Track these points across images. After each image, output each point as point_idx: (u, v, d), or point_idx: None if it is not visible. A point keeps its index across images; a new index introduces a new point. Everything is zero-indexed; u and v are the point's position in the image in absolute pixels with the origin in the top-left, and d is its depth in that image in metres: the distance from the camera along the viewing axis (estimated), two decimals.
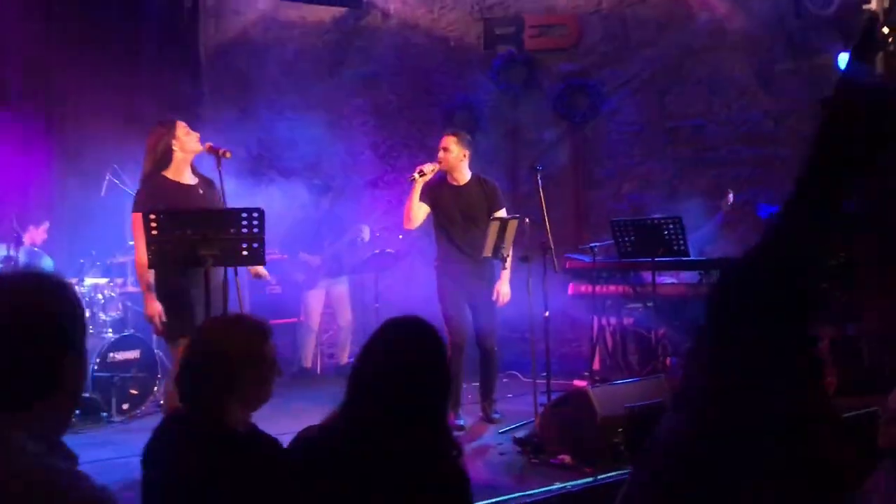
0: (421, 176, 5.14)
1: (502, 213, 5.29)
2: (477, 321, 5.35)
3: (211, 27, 8.70)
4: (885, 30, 6.17)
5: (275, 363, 2.28)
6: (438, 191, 5.29)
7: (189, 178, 4.35)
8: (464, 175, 5.33)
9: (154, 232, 3.79)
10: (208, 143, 4.38)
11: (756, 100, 7.35)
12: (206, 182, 4.41)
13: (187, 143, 4.31)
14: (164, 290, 4.15)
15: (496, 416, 5.39)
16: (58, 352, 1.33)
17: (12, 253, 5.59)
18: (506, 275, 5.29)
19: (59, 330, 1.33)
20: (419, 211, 5.23)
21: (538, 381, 5.05)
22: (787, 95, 7.24)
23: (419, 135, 8.28)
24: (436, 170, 5.20)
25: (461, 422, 5.23)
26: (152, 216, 3.80)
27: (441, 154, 5.25)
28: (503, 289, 5.30)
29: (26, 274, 1.39)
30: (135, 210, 4.19)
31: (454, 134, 5.37)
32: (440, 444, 1.98)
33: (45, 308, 1.33)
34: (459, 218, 5.27)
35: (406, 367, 1.99)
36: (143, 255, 4.01)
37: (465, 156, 5.29)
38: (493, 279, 5.32)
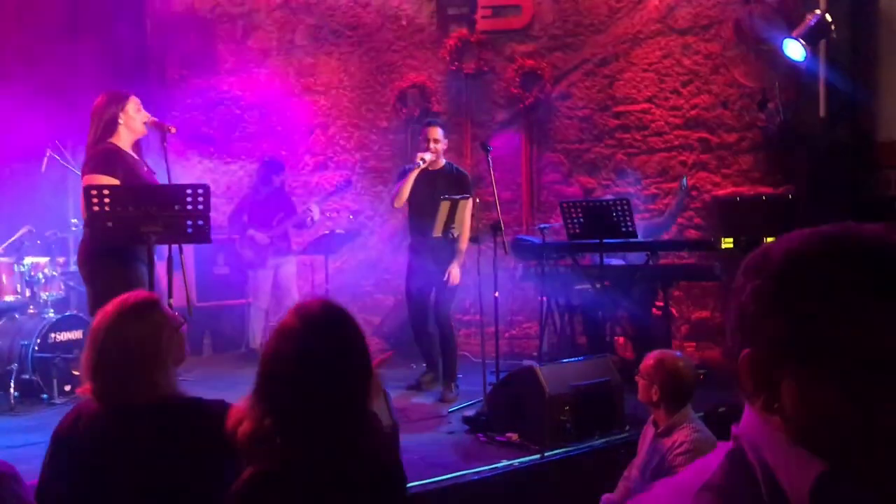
0: (423, 163, 5.57)
1: (468, 200, 5.59)
2: (437, 298, 5.67)
3: (157, 1, 8.50)
4: (829, 17, 6.31)
5: (169, 324, 2.29)
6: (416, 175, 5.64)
7: (134, 154, 4.26)
8: (440, 161, 5.74)
9: (95, 208, 3.70)
10: (153, 119, 4.30)
11: (705, 85, 7.44)
12: (147, 164, 4.32)
13: (134, 120, 4.22)
14: (106, 261, 4.03)
15: (451, 395, 5.48)
16: None
17: None
18: (460, 257, 5.62)
19: None
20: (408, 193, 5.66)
21: (487, 361, 5.09)
22: (736, 81, 7.35)
23: (370, 115, 8.22)
24: (432, 159, 5.62)
25: (453, 394, 5.55)
26: (93, 191, 3.70)
27: (433, 145, 5.64)
28: (454, 270, 5.60)
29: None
30: (86, 173, 4.07)
31: (440, 125, 5.88)
32: (363, 439, 1.87)
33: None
34: (430, 201, 5.55)
35: (319, 356, 1.86)
36: None
37: (445, 144, 5.79)
38: (453, 261, 5.63)
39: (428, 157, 5.58)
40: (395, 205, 5.73)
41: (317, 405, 1.81)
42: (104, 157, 4.09)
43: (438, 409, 5.25)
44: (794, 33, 6.37)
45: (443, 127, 5.89)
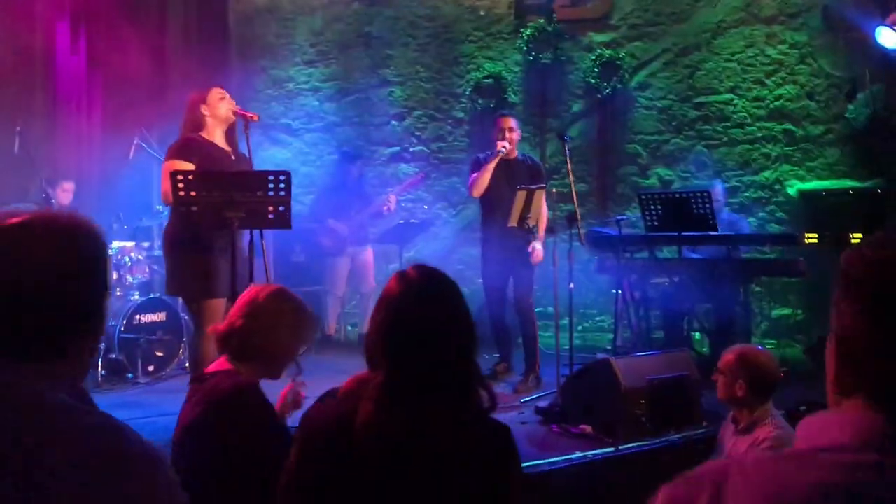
0: (504, 152, 5.55)
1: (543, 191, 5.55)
2: (516, 287, 5.67)
3: None
4: None
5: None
6: (489, 164, 5.62)
7: (223, 144, 4.36)
8: (514, 152, 5.71)
9: (181, 192, 3.79)
10: (236, 107, 4.39)
11: (791, 75, 7.22)
12: (238, 153, 4.41)
13: (217, 107, 4.31)
14: (188, 246, 4.14)
15: (526, 386, 5.45)
16: (100, 294, 1.27)
17: None
18: (539, 239, 5.69)
19: (102, 270, 1.27)
20: (487, 182, 5.65)
21: (561, 353, 5.06)
22: (823, 71, 7.10)
23: (446, 106, 8.24)
24: (510, 149, 5.62)
25: (528, 385, 5.54)
26: (179, 175, 3.80)
27: (509, 135, 5.62)
28: (537, 245, 5.63)
29: (62, 214, 1.27)
30: (166, 159, 4.20)
31: (514, 115, 5.95)
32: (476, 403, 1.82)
33: (88, 246, 1.26)
34: (507, 191, 5.52)
35: (435, 320, 1.82)
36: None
37: (520, 135, 5.77)
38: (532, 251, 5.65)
39: (507, 146, 5.57)
40: (474, 194, 5.68)
41: (432, 368, 1.78)
42: (182, 145, 4.22)
43: (511, 399, 5.23)
44: (887, 20, 6.12)
45: (516, 118, 5.85)
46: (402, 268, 6.14)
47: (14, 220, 1.22)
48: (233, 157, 4.35)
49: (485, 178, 5.58)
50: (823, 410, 1.06)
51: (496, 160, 5.55)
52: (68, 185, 6.22)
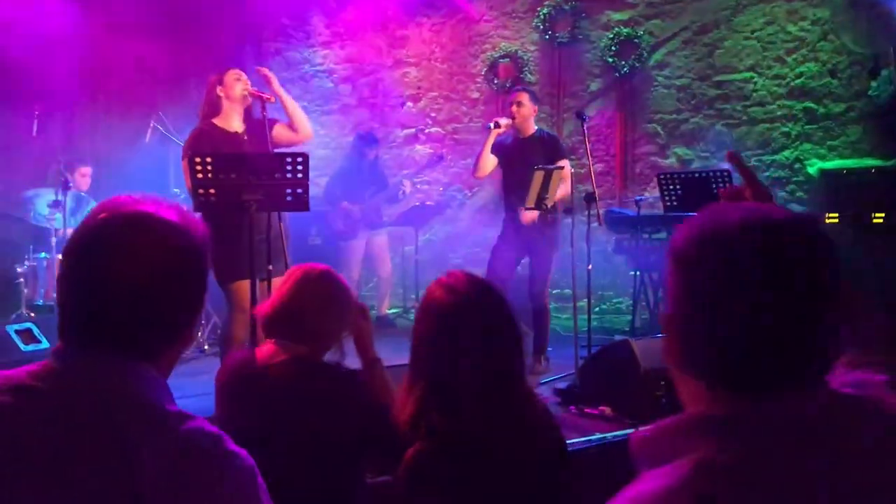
0: (496, 127, 5.32)
1: (564, 162, 5.33)
2: (532, 270, 5.50)
3: None
4: None
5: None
6: (505, 143, 5.44)
7: (237, 126, 4.38)
8: (530, 128, 5.47)
9: (199, 176, 3.80)
10: (252, 88, 4.38)
11: (812, 52, 7.11)
12: (256, 126, 4.41)
13: (232, 88, 4.33)
14: (220, 234, 4.14)
15: (541, 367, 5.41)
16: (203, 292, 1.23)
17: (60, 197, 5.66)
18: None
19: (206, 268, 1.24)
20: (489, 161, 5.43)
21: (579, 335, 5.03)
22: (845, 48, 6.99)
23: (461, 86, 8.19)
24: (510, 124, 5.37)
25: (542, 366, 5.43)
26: (197, 160, 3.80)
27: (514, 108, 5.38)
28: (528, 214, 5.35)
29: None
30: (183, 157, 4.28)
31: (526, 91, 5.59)
32: (529, 411, 1.87)
33: (200, 245, 1.22)
34: (521, 171, 5.30)
35: (473, 327, 1.82)
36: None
37: (534, 111, 5.49)
38: (552, 234, 5.41)
39: (504, 121, 5.32)
40: (476, 175, 5.51)
41: (476, 377, 1.78)
42: (195, 138, 4.29)
43: (529, 381, 5.21)
44: None
45: (531, 93, 5.57)
46: (419, 251, 6.06)
47: (127, 214, 1.17)
48: (246, 138, 4.36)
49: (482, 159, 5.35)
50: None
51: (491, 138, 5.32)
52: (86, 170, 6.24)
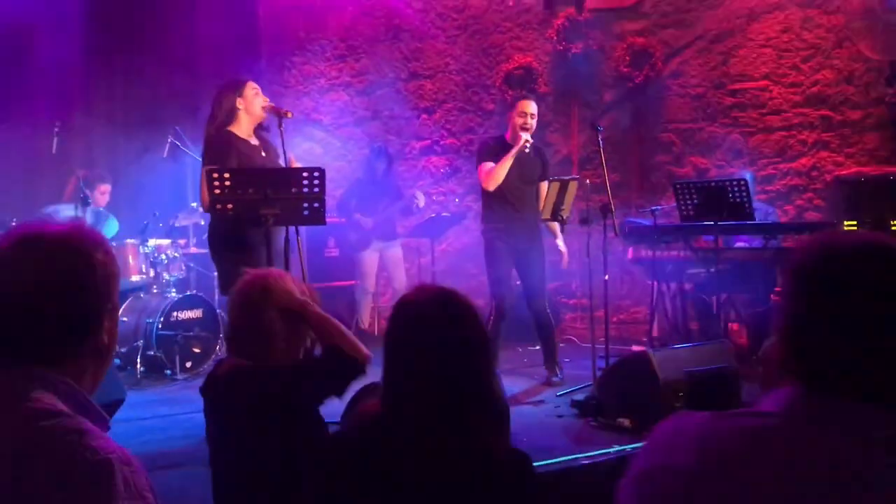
0: (528, 146, 5.28)
1: (544, 184, 5.43)
2: (528, 283, 5.45)
3: None
4: None
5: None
6: (501, 152, 5.36)
7: (253, 140, 4.39)
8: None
9: (217, 191, 3.82)
10: (270, 103, 4.41)
11: (828, 60, 7.08)
12: (267, 145, 4.45)
13: (253, 104, 4.33)
14: (231, 245, 4.19)
15: (556, 378, 5.39)
16: (100, 306, 1.31)
17: (80, 213, 5.71)
18: (560, 235, 5.59)
19: (102, 283, 1.31)
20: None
21: (596, 345, 5.02)
22: (862, 55, 6.95)
23: (476, 98, 8.21)
24: (531, 142, 5.32)
25: (558, 377, 5.43)
26: (215, 175, 3.83)
27: (530, 121, 5.34)
28: (564, 247, 5.58)
29: (67, 226, 1.33)
30: (206, 164, 4.22)
31: (534, 100, 5.52)
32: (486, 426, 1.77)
33: (87, 259, 1.30)
34: (517, 180, 5.37)
35: (441, 341, 1.76)
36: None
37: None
38: (541, 241, 5.47)
39: (531, 140, 5.27)
40: (490, 187, 5.31)
41: (433, 386, 1.74)
42: (219, 147, 4.23)
43: (546, 393, 5.21)
44: None
45: (542, 102, 5.58)
46: (435, 262, 6.07)
47: (18, 235, 1.31)
48: (263, 154, 4.38)
49: (503, 171, 5.27)
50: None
51: (515, 152, 5.24)
52: (105, 188, 6.30)
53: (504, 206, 5.39)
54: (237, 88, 4.35)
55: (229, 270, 4.17)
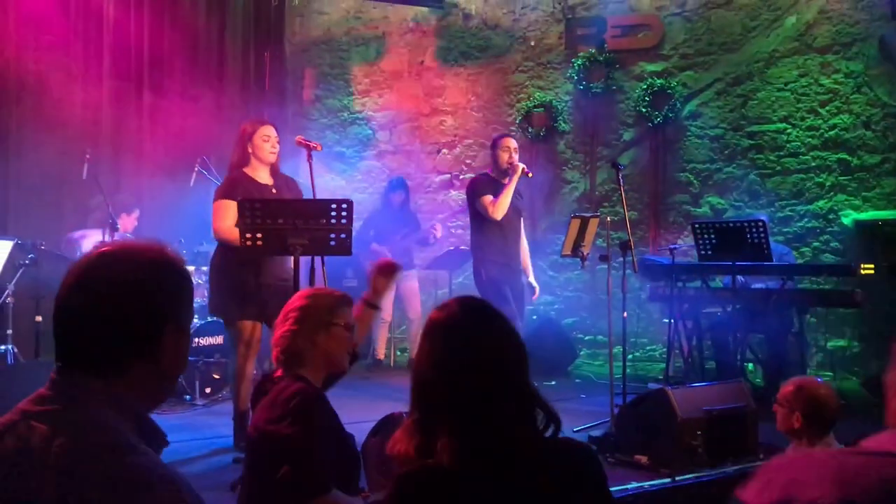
0: (529, 173, 5.52)
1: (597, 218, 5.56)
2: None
3: (296, 25, 8.91)
4: None
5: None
6: (491, 188, 5.51)
7: (265, 179, 4.59)
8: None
9: (248, 220, 3.92)
10: (299, 137, 4.58)
11: (846, 104, 7.16)
12: (284, 182, 4.61)
13: (260, 149, 4.59)
14: (229, 275, 4.49)
15: None
16: (159, 320, 1.33)
17: (107, 239, 5.82)
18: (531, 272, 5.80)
19: (164, 299, 1.34)
20: None
21: (613, 382, 5.05)
22: (879, 100, 7.04)
23: (496, 134, 8.31)
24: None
25: None
26: (247, 205, 3.93)
27: (514, 155, 5.53)
28: (536, 283, 5.78)
29: (146, 244, 1.37)
30: (215, 199, 4.55)
31: (513, 137, 5.87)
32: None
33: (152, 275, 1.33)
34: (512, 211, 5.52)
35: (486, 353, 1.72)
36: (226, 232, 4.38)
37: None
38: (526, 281, 5.72)
39: (525, 166, 5.51)
40: (497, 216, 5.43)
41: (477, 399, 1.67)
42: (227, 185, 4.55)
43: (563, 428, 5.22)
44: None
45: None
46: (452, 294, 6.16)
47: (98, 250, 1.36)
48: (274, 191, 4.54)
49: (507, 199, 5.42)
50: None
51: (516, 178, 5.43)
52: (134, 214, 6.42)
53: (503, 238, 5.53)
54: (250, 134, 4.60)
55: (220, 295, 4.61)
